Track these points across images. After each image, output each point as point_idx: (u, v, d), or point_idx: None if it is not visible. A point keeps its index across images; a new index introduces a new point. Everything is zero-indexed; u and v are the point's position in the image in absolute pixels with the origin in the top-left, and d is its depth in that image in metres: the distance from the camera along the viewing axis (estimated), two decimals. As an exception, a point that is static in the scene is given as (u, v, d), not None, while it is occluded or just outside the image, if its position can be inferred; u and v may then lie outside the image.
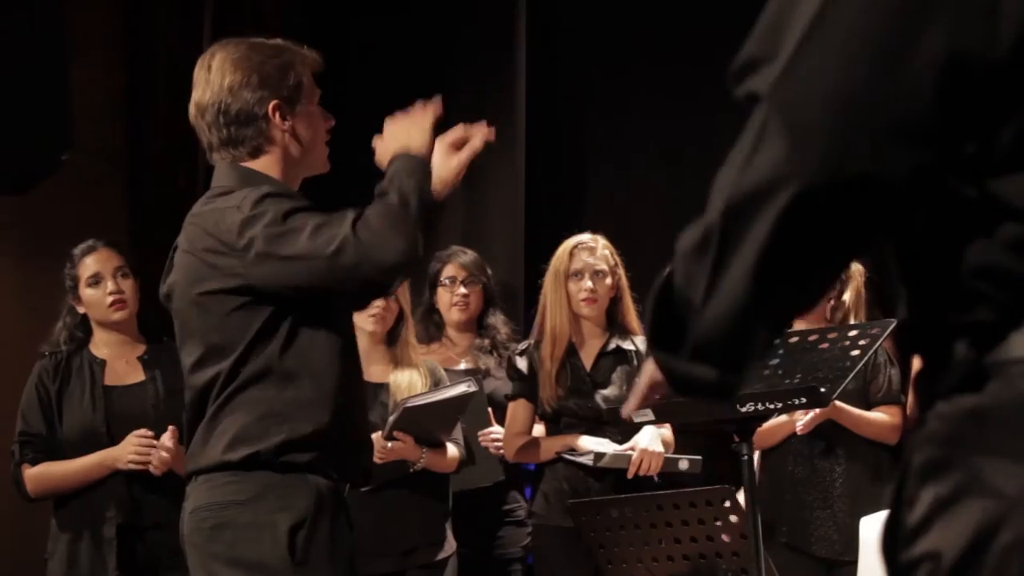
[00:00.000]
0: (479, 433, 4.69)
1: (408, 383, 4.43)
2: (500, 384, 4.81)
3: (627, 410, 1.93)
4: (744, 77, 1.26)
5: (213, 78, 2.86)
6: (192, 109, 2.92)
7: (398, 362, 4.50)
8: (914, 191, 1.20)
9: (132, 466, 4.09)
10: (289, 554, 2.69)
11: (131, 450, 4.09)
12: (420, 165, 2.79)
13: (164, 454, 4.06)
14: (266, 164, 2.87)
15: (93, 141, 5.71)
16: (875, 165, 1.18)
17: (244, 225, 2.72)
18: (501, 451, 4.68)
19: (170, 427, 4.04)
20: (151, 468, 4.07)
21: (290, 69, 2.89)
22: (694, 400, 1.45)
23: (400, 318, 4.53)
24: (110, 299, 4.25)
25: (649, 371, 1.71)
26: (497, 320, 5.04)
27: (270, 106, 2.85)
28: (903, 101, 1.17)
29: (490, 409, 4.77)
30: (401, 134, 2.83)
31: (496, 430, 4.72)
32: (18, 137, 4.92)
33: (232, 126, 2.85)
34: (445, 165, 2.86)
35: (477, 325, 5.06)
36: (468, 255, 5.08)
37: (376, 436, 4.15)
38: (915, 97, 1.17)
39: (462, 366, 4.90)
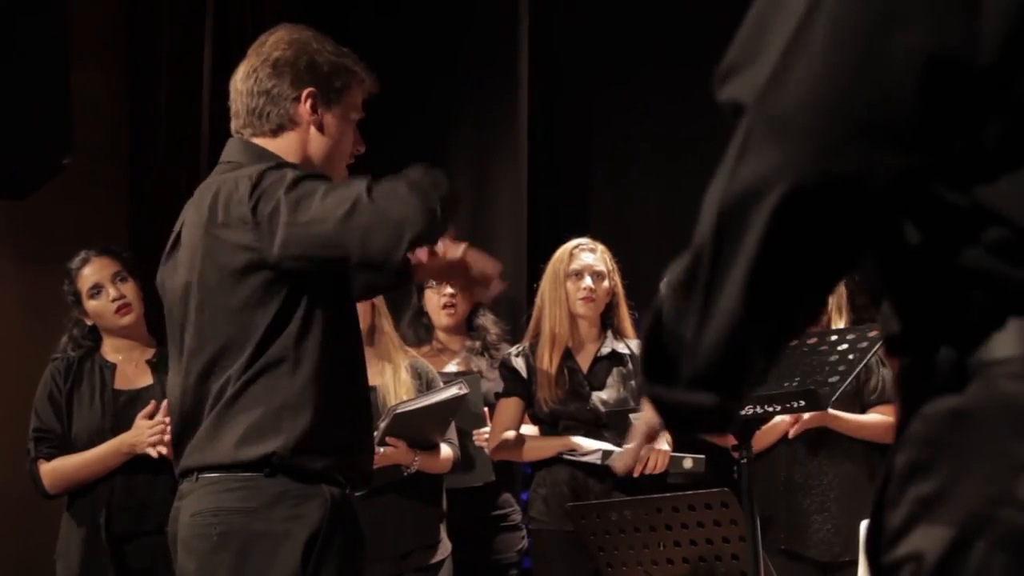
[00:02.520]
0: (473, 432, 4.67)
1: (395, 384, 4.40)
2: (492, 385, 4.76)
3: (621, 466, 1.91)
4: (726, 82, 1.27)
5: (266, 49, 2.80)
6: (235, 74, 2.84)
7: (382, 357, 4.46)
8: (901, 195, 1.20)
9: (151, 450, 4.04)
10: (301, 568, 2.55)
11: (148, 433, 4.07)
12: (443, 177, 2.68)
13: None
14: (283, 146, 2.77)
15: (95, 145, 5.72)
16: (862, 167, 1.18)
17: (257, 197, 2.59)
18: None
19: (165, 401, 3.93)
20: (163, 449, 4.00)
21: (342, 73, 2.82)
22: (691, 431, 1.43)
23: (373, 311, 4.47)
24: (114, 305, 4.24)
25: (643, 423, 1.62)
26: (487, 320, 4.99)
27: (305, 91, 2.77)
28: (886, 104, 1.17)
29: (485, 409, 4.73)
30: None
31: (489, 430, 4.69)
32: (19, 141, 4.93)
33: (262, 97, 2.76)
34: None
35: (466, 327, 5.00)
36: None
37: None
38: (898, 99, 1.17)
39: (452, 368, 4.85)
